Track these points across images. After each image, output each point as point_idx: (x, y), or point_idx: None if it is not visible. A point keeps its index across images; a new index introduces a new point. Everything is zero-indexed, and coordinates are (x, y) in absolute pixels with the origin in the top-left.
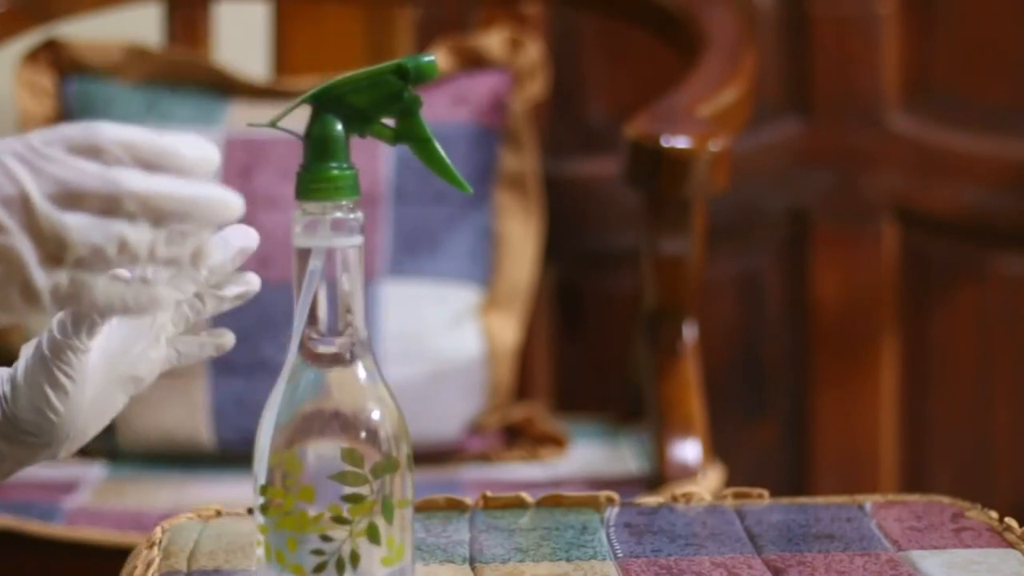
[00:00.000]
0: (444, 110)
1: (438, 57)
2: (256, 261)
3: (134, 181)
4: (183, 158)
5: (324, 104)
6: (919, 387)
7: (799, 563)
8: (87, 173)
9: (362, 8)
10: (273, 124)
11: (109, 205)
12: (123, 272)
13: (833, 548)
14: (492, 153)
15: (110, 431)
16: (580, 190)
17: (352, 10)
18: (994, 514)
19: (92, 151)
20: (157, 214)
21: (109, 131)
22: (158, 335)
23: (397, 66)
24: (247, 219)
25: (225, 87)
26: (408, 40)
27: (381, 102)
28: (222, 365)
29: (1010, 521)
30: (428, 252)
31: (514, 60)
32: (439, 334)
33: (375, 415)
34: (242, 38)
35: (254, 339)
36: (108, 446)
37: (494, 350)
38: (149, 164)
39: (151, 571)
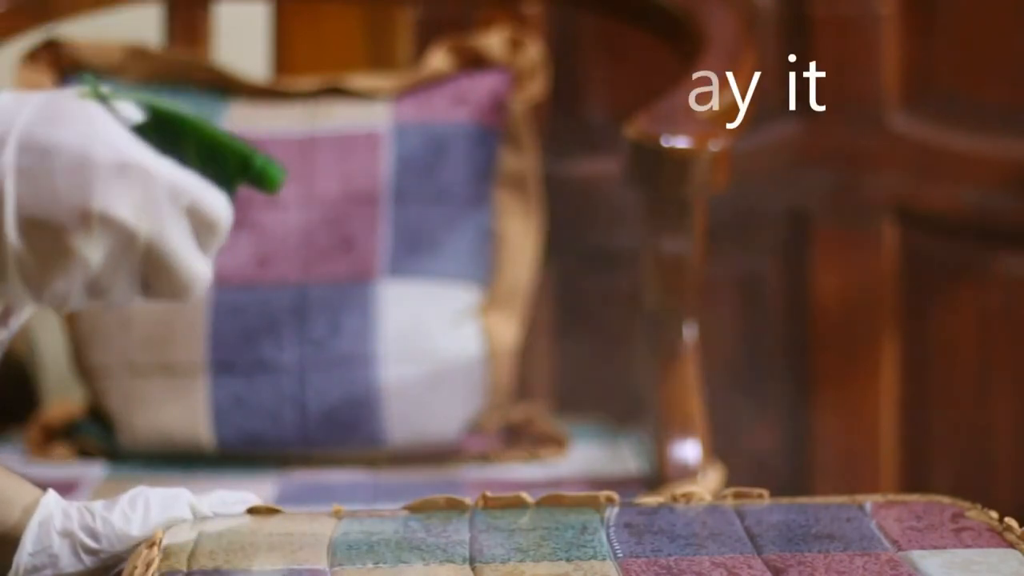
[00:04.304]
0: (444, 110)
1: (438, 57)
2: (256, 261)
3: None
4: None
5: (159, 126)
6: (919, 387)
7: (799, 563)
8: None
9: (362, 8)
10: (104, 97)
11: None
12: None
13: (833, 548)
14: (492, 153)
15: (110, 431)
16: (580, 190)
17: (352, 10)
18: (994, 514)
19: None
20: None
21: None
22: None
23: (245, 159)
24: (247, 219)
25: (225, 87)
26: (408, 40)
27: (207, 163)
28: (222, 365)
29: (1010, 521)
30: (428, 252)
31: (514, 60)
32: (439, 334)
33: None
34: (242, 38)
35: (254, 339)
36: (108, 446)
37: (494, 350)
38: None
39: (151, 571)
